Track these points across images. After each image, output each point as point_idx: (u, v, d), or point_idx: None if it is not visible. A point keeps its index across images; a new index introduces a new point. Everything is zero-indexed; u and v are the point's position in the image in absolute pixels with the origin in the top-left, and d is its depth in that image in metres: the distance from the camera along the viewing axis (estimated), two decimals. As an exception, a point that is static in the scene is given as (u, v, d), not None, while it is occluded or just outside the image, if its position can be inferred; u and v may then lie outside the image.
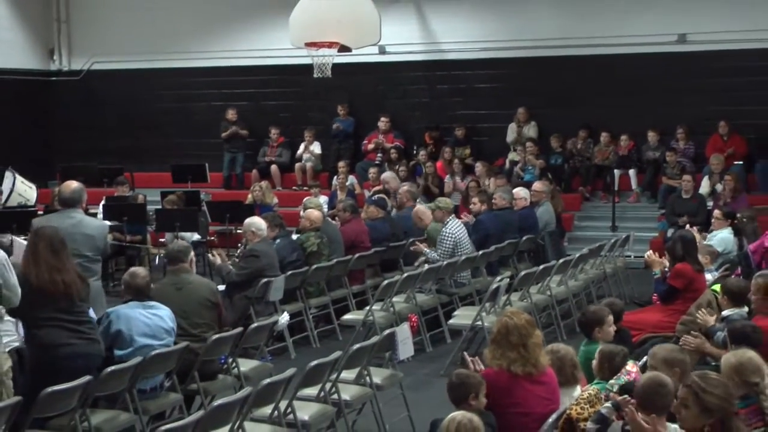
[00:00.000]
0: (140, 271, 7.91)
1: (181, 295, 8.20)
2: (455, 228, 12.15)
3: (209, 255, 10.62)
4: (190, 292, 8.24)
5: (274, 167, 19.79)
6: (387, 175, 16.87)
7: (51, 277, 6.92)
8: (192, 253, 8.79)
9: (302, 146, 19.75)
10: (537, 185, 14.75)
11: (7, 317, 6.97)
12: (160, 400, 7.58)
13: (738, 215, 12.95)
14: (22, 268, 6.99)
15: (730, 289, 8.01)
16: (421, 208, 13.08)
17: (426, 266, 11.62)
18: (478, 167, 17.70)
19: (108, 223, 11.69)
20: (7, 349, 6.89)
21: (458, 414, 5.24)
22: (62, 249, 7.11)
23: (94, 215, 12.87)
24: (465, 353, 6.89)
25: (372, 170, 17.82)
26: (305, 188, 18.56)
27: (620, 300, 9.37)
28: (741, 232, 12.52)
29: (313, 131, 19.74)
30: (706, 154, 17.18)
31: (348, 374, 7.65)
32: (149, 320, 7.51)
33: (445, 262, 11.66)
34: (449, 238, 12.04)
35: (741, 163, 17.00)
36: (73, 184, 9.05)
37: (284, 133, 20.07)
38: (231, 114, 20.12)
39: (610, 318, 7.49)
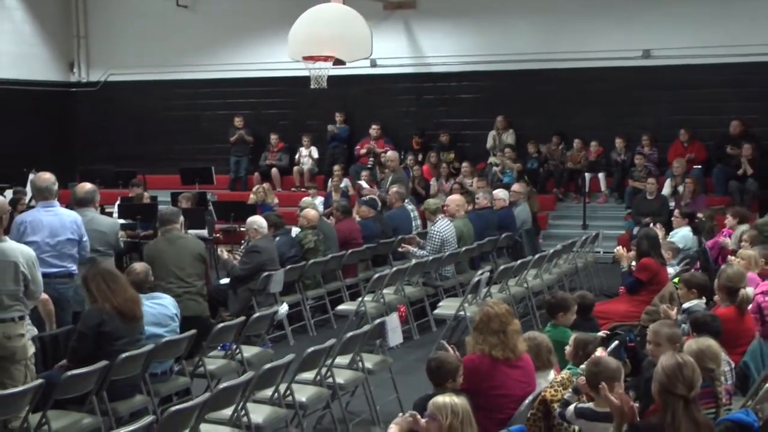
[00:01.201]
0: (137, 266, 7.83)
1: (174, 248, 8.47)
2: (443, 227, 12.14)
3: (218, 251, 10.69)
4: (182, 246, 8.53)
5: (274, 170, 19.78)
6: (391, 154, 16.69)
7: (123, 302, 6.87)
8: (182, 218, 8.98)
9: (301, 150, 19.74)
10: (515, 187, 14.76)
11: None
12: (171, 383, 7.57)
13: (698, 215, 12.98)
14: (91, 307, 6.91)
15: (696, 283, 7.97)
16: (455, 198, 13.13)
17: (413, 261, 11.63)
18: (465, 167, 17.74)
19: (121, 221, 11.66)
20: (32, 336, 6.89)
21: (455, 399, 5.06)
22: (114, 277, 7.01)
23: (110, 214, 12.83)
24: (444, 342, 6.89)
25: (364, 173, 17.80)
26: (303, 189, 18.56)
27: (590, 292, 9.37)
28: (700, 230, 12.54)
29: (310, 136, 19.75)
30: (669, 158, 17.21)
31: (342, 360, 7.64)
32: (154, 310, 7.48)
33: (431, 258, 11.66)
34: (437, 236, 12.04)
35: (700, 167, 17.03)
36: (87, 186, 9.06)
37: (283, 138, 20.07)
38: (238, 121, 20.13)
39: (575, 307, 7.55)
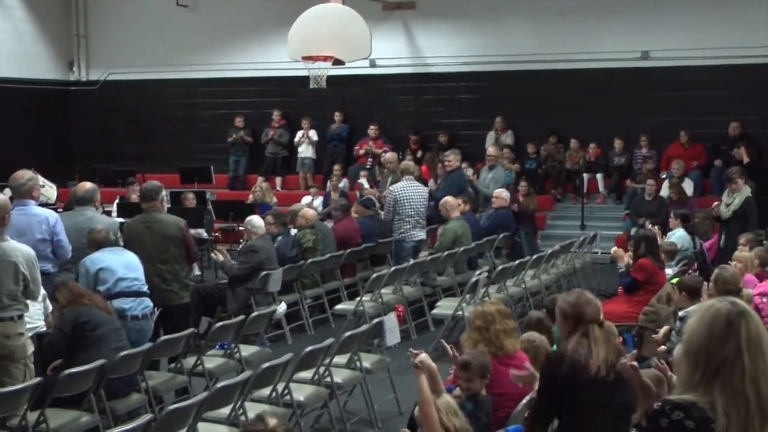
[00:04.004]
0: (98, 226, 8.12)
1: (151, 232, 8.46)
2: (396, 190, 12.20)
3: (212, 254, 10.61)
4: (158, 230, 8.49)
5: (279, 179, 19.84)
6: (390, 155, 16.67)
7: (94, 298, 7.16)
8: (163, 192, 8.99)
9: (300, 133, 19.73)
10: (491, 150, 15.40)
11: (32, 303, 6.99)
12: (169, 381, 7.59)
13: (695, 216, 12.99)
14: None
15: (692, 285, 7.94)
16: (450, 200, 13.08)
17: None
18: (464, 167, 17.74)
19: (120, 219, 11.65)
20: (30, 335, 6.90)
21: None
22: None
23: (109, 213, 12.82)
24: (443, 341, 6.91)
25: (363, 173, 17.80)
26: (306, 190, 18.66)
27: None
28: (695, 232, 12.56)
29: (309, 119, 19.69)
30: (667, 160, 17.21)
31: (340, 359, 7.66)
32: (121, 258, 7.78)
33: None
34: (389, 196, 12.21)
35: (681, 171, 16.88)
36: (87, 185, 9.03)
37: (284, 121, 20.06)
38: (238, 121, 20.14)
39: None
